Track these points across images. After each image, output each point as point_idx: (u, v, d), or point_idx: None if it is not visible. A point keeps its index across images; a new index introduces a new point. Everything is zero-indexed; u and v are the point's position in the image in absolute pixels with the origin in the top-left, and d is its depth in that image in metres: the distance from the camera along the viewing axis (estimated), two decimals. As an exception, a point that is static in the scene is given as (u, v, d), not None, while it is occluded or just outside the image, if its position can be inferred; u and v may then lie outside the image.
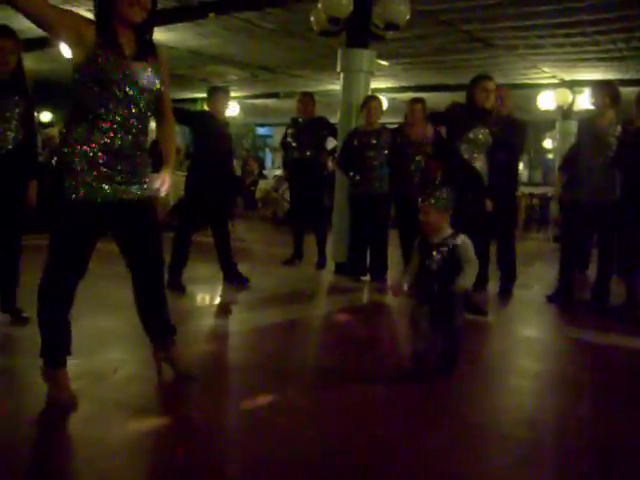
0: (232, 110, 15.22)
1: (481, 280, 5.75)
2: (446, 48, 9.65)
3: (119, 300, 4.32)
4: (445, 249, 3.63)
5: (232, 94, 14.72)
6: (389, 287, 6.22)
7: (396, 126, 7.30)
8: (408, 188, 6.46)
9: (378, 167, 6.68)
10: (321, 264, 7.60)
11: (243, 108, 15.86)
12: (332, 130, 7.70)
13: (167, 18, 8.40)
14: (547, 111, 11.99)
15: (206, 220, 6.21)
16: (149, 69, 3.10)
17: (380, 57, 8.42)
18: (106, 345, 4.14)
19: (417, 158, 6.62)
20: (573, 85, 11.62)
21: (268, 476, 2.52)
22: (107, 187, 3.01)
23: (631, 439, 3.10)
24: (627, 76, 10.72)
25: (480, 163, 5.35)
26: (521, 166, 6.76)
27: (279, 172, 10.00)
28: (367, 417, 3.20)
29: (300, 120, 7.72)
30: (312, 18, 7.34)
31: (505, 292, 6.43)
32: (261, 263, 7.89)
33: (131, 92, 3.00)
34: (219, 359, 4.21)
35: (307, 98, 7.72)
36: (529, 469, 2.73)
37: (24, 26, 3.57)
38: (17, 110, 4.25)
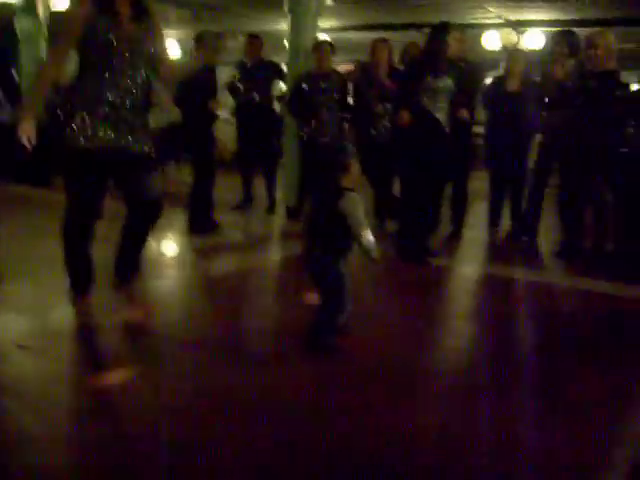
0: (173, 52, 14.82)
1: (434, 224, 5.87)
2: (392, -14, 9.52)
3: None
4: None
5: (173, 34, 14.43)
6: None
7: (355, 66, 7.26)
8: (371, 130, 6.47)
9: (328, 111, 6.64)
10: (271, 209, 7.59)
11: (183, 48, 15.41)
12: (280, 74, 7.59)
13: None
14: (492, 51, 11.99)
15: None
16: (144, 32, 3.40)
17: (326, -4, 8.26)
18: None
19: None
20: (518, 25, 11.61)
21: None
22: (107, 137, 3.35)
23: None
24: (570, 17, 10.78)
25: (442, 112, 5.41)
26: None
27: (224, 114, 9.78)
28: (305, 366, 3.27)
29: (248, 63, 7.57)
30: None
31: (457, 233, 6.56)
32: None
33: (128, 54, 3.33)
34: (176, 310, 4.21)
35: (255, 40, 7.57)
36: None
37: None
38: None
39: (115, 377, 2.95)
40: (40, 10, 9.26)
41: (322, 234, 3.41)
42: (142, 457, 2.34)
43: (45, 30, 9.63)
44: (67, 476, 2.23)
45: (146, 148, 3.52)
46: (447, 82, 5.41)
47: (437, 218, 5.88)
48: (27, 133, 3.29)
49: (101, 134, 3.36)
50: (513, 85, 6.61)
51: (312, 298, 3.48)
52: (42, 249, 5.38)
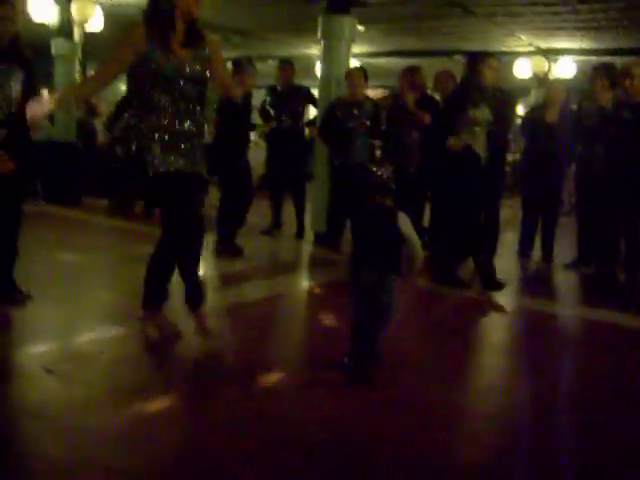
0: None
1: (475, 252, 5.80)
2: (424, 13, 9.49)
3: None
4: None
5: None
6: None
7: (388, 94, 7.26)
8: (405, 158, 6.45)
9: (360, 138, 6.62)
10: (300, 234, 7.56)
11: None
12: (312, 99, 7.60)
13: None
14: (523, 80, 11.94)
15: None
16: (197, 59, 3.54)
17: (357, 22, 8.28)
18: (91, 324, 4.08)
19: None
20: (549, 53, 11.57)
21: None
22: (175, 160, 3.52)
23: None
24: (602, 46, 10.73)
25: (480, 143, 5.38)
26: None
27: (253, 137, 9.84)
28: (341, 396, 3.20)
29: (279, 88, 7.59)
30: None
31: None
32: (240, 233, 7.80)
33: (182, 82, 3.49)
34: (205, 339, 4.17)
35: (287, 66, 7.61)
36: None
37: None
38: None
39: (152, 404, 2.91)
40: (75, 32, 9.39)
41: (374, 255, 3.36)
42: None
43: (79, 52, 9.77)
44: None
45: (204, 171, 3.71)
46: (485, 113, 5.39)
47: (478, 246, 5.81)
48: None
49: (171, 160, 3.52)
50: (552, 115, 6.61)
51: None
52: (71, 270, 5.43)
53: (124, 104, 7.71)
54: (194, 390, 3.26)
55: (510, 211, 9.01)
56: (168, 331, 3.84)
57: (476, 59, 5.52)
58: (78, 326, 4.02)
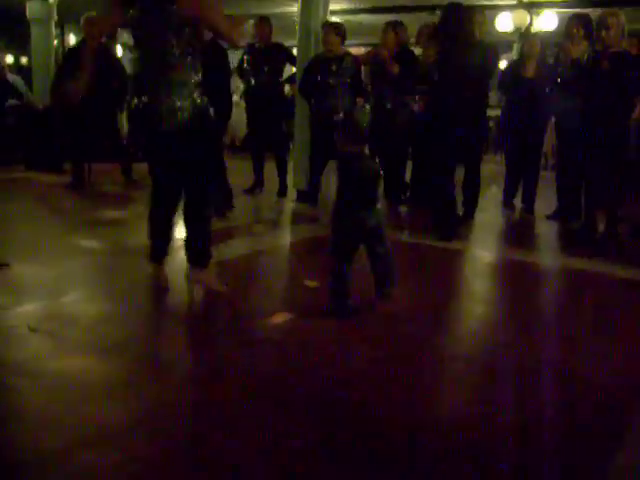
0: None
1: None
2: (403, -32, 9.44)
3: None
4: None
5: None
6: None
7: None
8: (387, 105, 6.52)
9: (340, 93, 6.59)
10: (282, 192, 7.58)
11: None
12: (290, 57, 7.55)
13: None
14: (505, 33, 11.89)
15: None
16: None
17: (336, -22, 8.22)
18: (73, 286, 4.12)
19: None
20: (531, 7, 11.51)
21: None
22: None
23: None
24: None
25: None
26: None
27: (234, 98, 9.80)
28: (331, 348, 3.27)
29: (257, 46, 7.53)
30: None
31: (469, 216, 6.53)
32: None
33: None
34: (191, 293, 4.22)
35: (263, 23, 7.51)
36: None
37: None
38: None
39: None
40: None
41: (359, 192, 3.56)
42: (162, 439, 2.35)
43: (55, 14, 9.66)
44: (81, 454, 2.23)
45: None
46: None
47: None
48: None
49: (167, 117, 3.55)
50: (529, 69, 6.65)
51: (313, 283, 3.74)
52: (49, 232, 5.45)
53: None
54: (183, 341, 3.33)
55: (495, 167, 9.10)
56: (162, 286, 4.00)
57: (460, 10, 5.52)
58: (60, 285, 4.05)
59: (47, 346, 3.15)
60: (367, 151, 3.63)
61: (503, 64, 15.36)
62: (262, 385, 2.77)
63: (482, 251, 5.54)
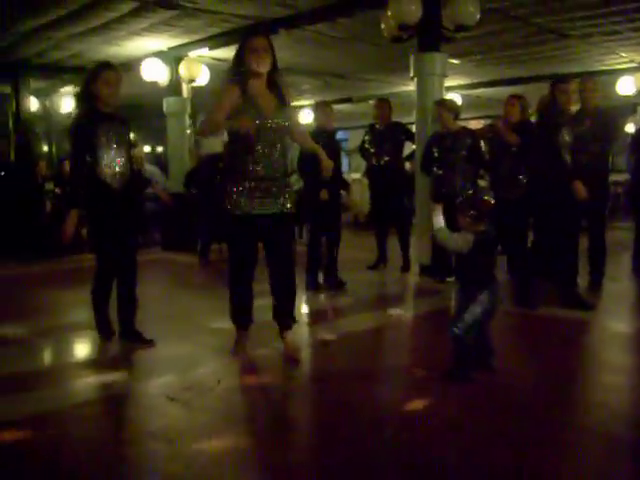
0: (306, 118, 15.49)
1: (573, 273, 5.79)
2: (518, 42, 9.54)
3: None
4: None
5: (306, 102, 15.07)
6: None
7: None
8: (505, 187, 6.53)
9: (458, 168, 6.70)
10: (406, 267, 7.69)
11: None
12: (410, 135, 7.78)
13: (240, 36, 8.58)
14: (627, 96, 11.68)
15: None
16: (281, 112, 4.11)
17: (451, 56, 8.40)
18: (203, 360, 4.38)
19: None
20: (653, 68, 11.29)
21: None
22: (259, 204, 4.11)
23: None
24: None
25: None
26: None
27: (357, 176, 10.14)
28: (459, 417, 3.30)
29: (377, 126, 7.83)
30: (382, 25, 7.33)
31: (595, 285, 6.38)
32: (347, 268, 8.03)
33: (269, 134, 4.04)
34: (323, 367, 4.39)
35: (383, 104, 7.84)
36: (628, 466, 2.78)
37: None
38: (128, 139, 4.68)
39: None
40: (184, 89, 10.04)
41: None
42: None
43: (188, 107, 10.42)
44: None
45: (288, 206, 4.18)
46: (566, 136, 5.52)
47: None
48: None
49: (254, 202, 4.06)
50: None
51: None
52: (183, 310, 5.81)
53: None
54: (306, 415, 3.48)
55: (624, 233, 8.84)
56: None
57: (551, 86, 5.65)
58: (196, 359, 4.33)
59: (184, 414, 3.39)
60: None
61: (631, 127, 15.08)
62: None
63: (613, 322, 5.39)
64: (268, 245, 4.23)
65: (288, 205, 4.17)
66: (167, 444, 3.02)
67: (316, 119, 7.03)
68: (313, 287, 6.65)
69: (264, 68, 4.06)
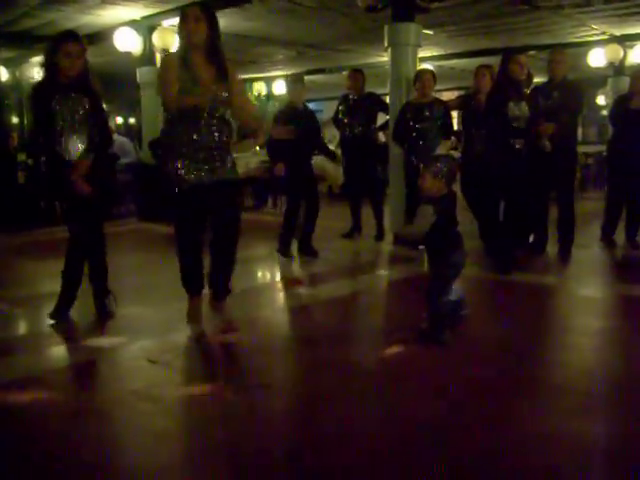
0: (279, 88, 15.45)
1: (541, 241, 5.95)
2: (491, 13, 9.57)
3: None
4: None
5: (279, 72, 15.01)
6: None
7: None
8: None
9: (432, 138, 6.80)
10: (380, 236, 7.79)
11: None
12: (383, 106, 7.83)
13: (214, 6, 8.52)
14: (598, 68, 11.81)
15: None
16: (224, 90, 4.00)
17: (425, 27, 8.44)
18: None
19: None
20: (624, 40, 11.40)
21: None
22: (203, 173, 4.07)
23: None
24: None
25: None
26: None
27: (331, 147, 10.19)
28: (433, 375, 3.43)
29: (351, 96, 7.87)
30: (356, -5, 7.38)
31: (565, 252, 6.53)
32: (322, 237, 8.11)
33: (212, 112, 3.99)
34: (294, 331, 4.49)
35: (357, 74, 7.86)
36: (586, 418, 2.92)
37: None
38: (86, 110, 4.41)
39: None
40: (158, 59, 9.96)
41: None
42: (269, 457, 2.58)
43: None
44: (202, 471, 2.49)
45: (229, 174, 4.16)
46: (523, 108, 5.67)
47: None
48: None
49: (198, 172, 4.04)
50: (638, 103, 6.65)
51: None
52: (160, 278, 5.86)
53: None
54: (287, 368, 3.58)
55: (595, 203, 9.00)
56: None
57: (503, 57, 5.76)
58: (173, 324, 4.40)
59: (166, 374, 3.55)
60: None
61: (601, 99, 15.21)
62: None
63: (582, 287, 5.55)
64: (212, 213, 4.21)
65: (229, 173, 4.16)
66: (152, 403, 3.13)
67: (287, 93, 7.10)
68: (285, 255, 6.75)
69: (196, 37, 3.95)
